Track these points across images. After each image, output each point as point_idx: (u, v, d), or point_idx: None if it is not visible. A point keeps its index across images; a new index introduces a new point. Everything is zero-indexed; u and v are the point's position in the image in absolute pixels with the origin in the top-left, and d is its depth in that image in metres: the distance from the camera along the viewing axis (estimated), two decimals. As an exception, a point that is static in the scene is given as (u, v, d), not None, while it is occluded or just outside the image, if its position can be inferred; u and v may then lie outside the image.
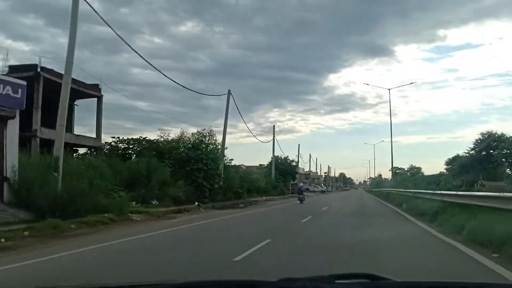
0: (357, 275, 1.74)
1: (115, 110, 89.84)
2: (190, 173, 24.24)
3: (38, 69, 24.56)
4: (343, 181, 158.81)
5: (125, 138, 27.46)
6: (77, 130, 31.42)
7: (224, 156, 30.74)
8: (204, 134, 29.85)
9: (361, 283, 1.70)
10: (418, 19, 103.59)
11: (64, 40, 72.98)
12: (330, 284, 1.62)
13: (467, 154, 58.19)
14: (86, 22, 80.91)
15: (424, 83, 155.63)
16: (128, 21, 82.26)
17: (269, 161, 55.68)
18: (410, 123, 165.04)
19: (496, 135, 56.19)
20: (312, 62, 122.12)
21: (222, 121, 31.63)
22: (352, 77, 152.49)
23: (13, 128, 13.10)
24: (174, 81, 38.78)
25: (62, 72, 15.76)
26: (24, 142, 17.47)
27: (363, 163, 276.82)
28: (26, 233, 9.68)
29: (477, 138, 57.98)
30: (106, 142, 28.68)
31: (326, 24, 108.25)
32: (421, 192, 22.95)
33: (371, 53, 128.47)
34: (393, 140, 47.38)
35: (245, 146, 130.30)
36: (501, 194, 11.59)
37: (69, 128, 26.38)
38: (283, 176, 55.51)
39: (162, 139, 28.26)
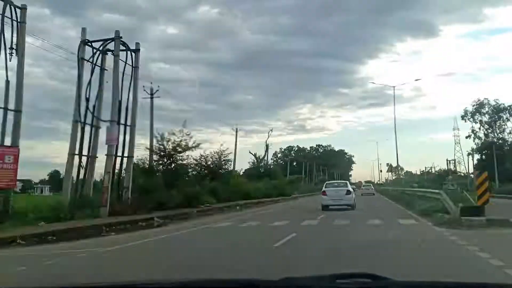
0: (357, 275, 1.75)
1: (140, 109, 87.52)
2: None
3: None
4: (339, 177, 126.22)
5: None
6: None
7: None
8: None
9: (362, 283, 1.70)
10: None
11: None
12: (331, 284, 1.63)
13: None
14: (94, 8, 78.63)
15: (464, 75, 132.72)
16: (140, 6, 79.19)
17: None
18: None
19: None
20: (347, 47, 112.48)
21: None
22: (388, 66, 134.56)
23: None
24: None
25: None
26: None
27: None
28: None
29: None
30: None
31: (362, 2, 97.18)
32: None
33: (415, 31, 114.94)
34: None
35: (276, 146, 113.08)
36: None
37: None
38: None
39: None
